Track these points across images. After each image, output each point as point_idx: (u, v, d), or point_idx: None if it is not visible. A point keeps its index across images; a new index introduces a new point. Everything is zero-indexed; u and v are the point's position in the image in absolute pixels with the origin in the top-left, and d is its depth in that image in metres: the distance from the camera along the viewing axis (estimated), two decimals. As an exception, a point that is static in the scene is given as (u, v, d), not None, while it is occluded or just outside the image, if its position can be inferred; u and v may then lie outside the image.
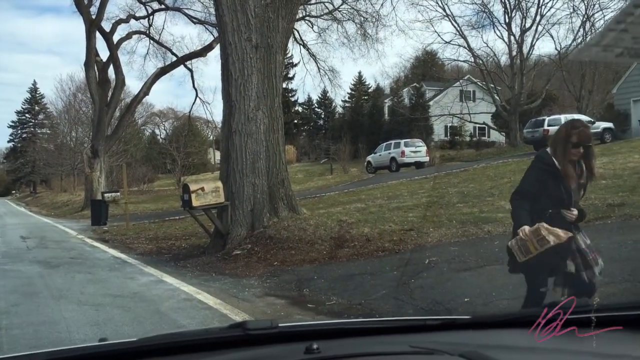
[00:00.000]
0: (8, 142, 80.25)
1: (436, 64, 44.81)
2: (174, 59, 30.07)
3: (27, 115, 78.06)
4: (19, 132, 78.56)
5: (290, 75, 51.87)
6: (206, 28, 29.97)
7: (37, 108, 76.33)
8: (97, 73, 27.47)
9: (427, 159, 27.61)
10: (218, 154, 46.47)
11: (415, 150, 27.35)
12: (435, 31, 40.53)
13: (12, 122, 78.69)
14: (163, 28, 36.65)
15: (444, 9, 32.27)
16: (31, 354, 1.28)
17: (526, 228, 3.20)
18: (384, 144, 29.70)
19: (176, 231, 13.79)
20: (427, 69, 45.38)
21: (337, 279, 6.63)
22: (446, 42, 33.69)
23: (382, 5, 29.39)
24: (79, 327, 5.12)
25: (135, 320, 5.35)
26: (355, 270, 6.92)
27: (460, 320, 1.64)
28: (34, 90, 77.11)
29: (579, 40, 31.90)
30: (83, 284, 7.44)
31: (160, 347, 1.32)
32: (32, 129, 77.03)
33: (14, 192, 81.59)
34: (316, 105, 60.38)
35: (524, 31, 32.29)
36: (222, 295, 6.35)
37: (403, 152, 27.17)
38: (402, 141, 28.13)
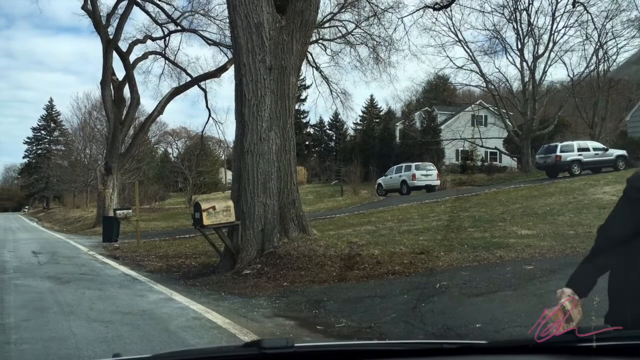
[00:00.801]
0: (23, 157, 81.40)
1: (448, 88, 45.00)
2: (189, 79, 30.53)
3: (42, 132, 79.24)
4: (34, 148, 79.68)
5: (302, 97, 52.31)
6: (221, 49, 30.46)
7: (52, 125, 77.49)
8: (112, 92, 27.89)
9: (438, 182, 27.56)
10: (229, 174, 46.73)
11: (426, 173, 27.32)
12: (448, 56, 40.63)
13: (28, 138, 79.93)
14: (179, 49, 37.22)
15: (456, 35, 32.53)
16: None
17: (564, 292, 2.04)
18: (395, 166, 29.71)
19: (186, 249, 13.81)
20: (438, 93, 45.59)
21: (346, 301, 6.59)
22: (458, 67, 33.87)
23: (395, 30, 29.89)
24: (88, 344, 5.11)
25: (144, 338, 5.34)
26: (365, 292, 6.87)
27: (477, 345, 1.62)
28: (50, 107, 78.39)
29: (591, 68, 31.96)
30: (93, 301, 7.45)
31: None
32: (47, 146, 78.07)
33: (26, 207, 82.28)
34: (328, 127, 60.71)
35: (536, 57, 32.39)
36: (231, 314, 6.33)
37: (414, 175, 27.14)
38: (413, 164, 28.13)
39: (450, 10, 27.60)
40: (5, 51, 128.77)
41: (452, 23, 32.49)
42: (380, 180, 30.18)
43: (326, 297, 6.92)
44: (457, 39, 32.56)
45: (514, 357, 1.51)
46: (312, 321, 5.94)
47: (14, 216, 64.40)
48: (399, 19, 25.87)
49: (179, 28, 30.29)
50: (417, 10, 23.28)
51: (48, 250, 16.12)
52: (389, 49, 26.19)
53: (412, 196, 25.27)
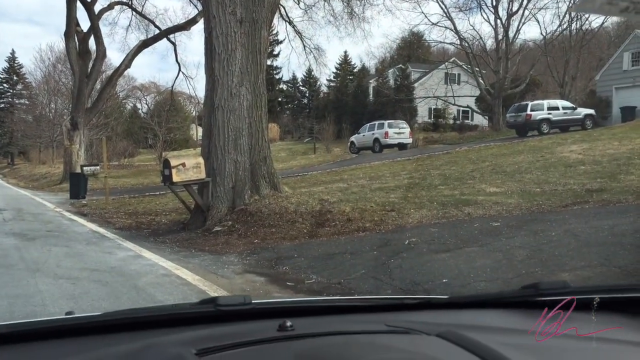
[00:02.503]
0: (-15, 112, 78.70)
1: (422, 45, 44.75)
2: (157, 31, 29.53)
3: (4, 85, 76.24)
4: (-4, 102, 76.84)
5: (275, 53, 51.40)
6: (190, 1, 29.50)
7: (15, 78, 74.54)
8: (77, 44, 26.87)
9: (410, 140, 27.70)
10: (200, 130, 46.02)
11: (398, 131, 27.39)
12: (422, 12, 40.31)
13: (-10, 91, 76.97)
14: (146, 0, 35.84)
15: (432, -10, 32.06)
16: None
17: None
18: (368, 124, 29.69)
19: (156, 206, 13.66)
20: (413, 50, 45.30)
21: (317, 257, 6.63)
22: (433, 24, 33.63)
23: (370, -17, 29.13)
24: (54, 301, 5.05)
25: (112, 295, 5.30)
26: (336, 249, 6.92)
27: (437, 300, 1.62)
28: (12, 59, 75.19)
29: (564, 26, 32.07)
30: (60, 258, 7.34)
31: (127, 322, 1.28)
32: (9, 100, 75.29)
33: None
34: (301, 84, 60.03)
35: (510, 15, 32.32)
36: (201, 271, 6.32)
37: (387, 134, 27.20)
38: (386, 122, 28.15)
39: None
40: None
41: (428, -23, 32.03)
42: (353, 138, 30.18)
43: (296, 253, 6.95)
44: (432, -6, 32.17)
45: (473, 311, 1.52)
46: (282, 277, 5.97)
47: (-23, 172, 62.71)
48: (374, -28, 25.35)
49: (146, -23, 29.10)
50: (392, -37, 22.76)
51: (13, 207, 15.76)
52: (363, 3, 25.68)
53: (384, 154, 25.38)
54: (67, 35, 26.44)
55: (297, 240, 7.74)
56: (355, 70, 55.32)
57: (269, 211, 8.86)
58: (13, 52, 76.98)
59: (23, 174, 45.01)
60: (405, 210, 8.67)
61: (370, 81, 44.56)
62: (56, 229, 10.64)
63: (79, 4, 26.54)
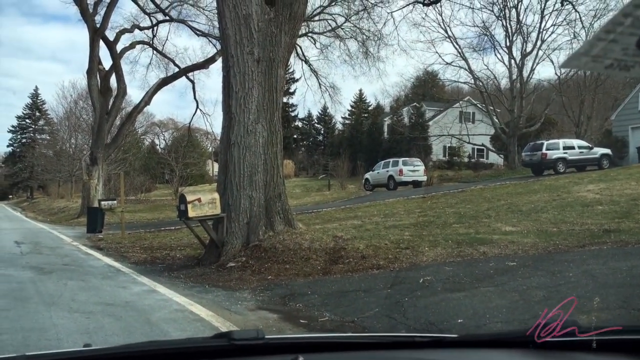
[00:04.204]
0: (7, 146, 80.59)
1: (437, 84, 45.15)
2: (177, 70, 30.29)
3: (27, 120, 78.24)
4: (19, 137, 78.72)
5: (291, 91, 52.23)
6: (209, 41, 30.29)
7: (37, 114, 76.54)
8: (99, 81, 27.58)
9: (424, 178, 27.68)
10: (216, 166, 46.47)
11: (413, 169, 27.42)
12: (437, 52, 40.99)
13: (12, 127, 78.99)
14: (167, 39, 37.11)
15: (445, 31, 32.63)
16: (11, 357, 1.27)
17: None
18: (383, 161, 29.79)
19: (171, 241, 13.73)
20: (427, 89, 45.70)
21: (330, 294, 6.60)
22: (447, 64, 33.97)
23: (384, 24, 29.87)
24: (68, 335, 5.07)
25: (126, 330, 5.30)
26: (349, 286, 6.88)
27: (448, 338, 1.62)
28: (35, 95, 77.42)
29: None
30: (75, 291, 7.38)
31: (143, 355, 1.30)
32: (32, 135, 77.12)
33: (10, 196, 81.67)
34: (316, 121, 60.64)
35: (524, 55, 32.59)
36: (214, 307, 6.31)
37: (401, 171, 27.23)
38: (401, 160, 28.22)
39: (440, 6, 27.69)
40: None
41: (442, 19, 32.75)
42: (367, 175, 30.24)
43: (310, 290, 6.92)
44: (446, 35, 32.66)
45: (483, 350, 1.52)
46: (295, 314, 5.94)
47: (-3, 205, 63.65)
48: (388, 13, 25.83)
49: (167, 18, 30.03)
50: (407, 5, 23.28)
51: (31, 240, 15.95)
52: (378, 43, 26.23)
53: (399, 191, 25.35)
54: (90, 72, 27.19)
55: (311, 276, 7.71)
56: (370, 108, 55.86)
57: (283, 247, 8.86)
58: (36, 89, 79.41)
59: (42, 207, 45.59)
60: (419, 248, 8.62)
61: (385, 119, 44.91)
62: (72, 263, 10.72)
63: (101, 43, 27.40)
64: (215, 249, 9.59)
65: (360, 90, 58.22)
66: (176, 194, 34.52)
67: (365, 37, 26.52)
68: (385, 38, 25.78)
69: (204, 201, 9.38)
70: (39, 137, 75.34)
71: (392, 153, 33.59)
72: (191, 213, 9.23)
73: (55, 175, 55.58)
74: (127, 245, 13.78)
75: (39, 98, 76.71)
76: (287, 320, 5.73)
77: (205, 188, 35.88)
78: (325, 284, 7.20)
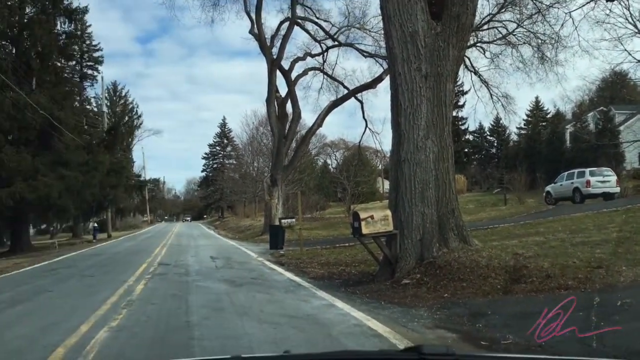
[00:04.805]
0: (202, 171, 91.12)
1: (627, 85, 40.51)
2: (346, 91, 31.43)
3: (217, 147, 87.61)
4: (210, 162, 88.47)
5: (460, 103, 50.90)
6: (376, 61, 30.95)
7: (225, 141, 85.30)
8: (276, 108, 29.82)
9: (617, 189, 24.80)
10: (386, 183, 46.99)
11: (603, 180, 24.77)
12: (626, 49, 36.50)
13: (205, 154, 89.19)
14: (336, 63, 38.68)
15: (635, 26, 29.08)
16: (227, 358, 1.39)
17: None
18: (566, 173, 27.39)
19: (346, 257, 14.16)
20: (616, 91, 41.20)
21: (512, 315, 6.22)
22: (638, 61, 30.22)
23: (562, 26, 27.45)
24: (259, 344, 5.49)
25: (309, 342, 5.57)
26: (534, 307, 6.41)
27: None
28: (223, 125, 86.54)
29: None
30: (262, 303, 7.99)
31: None
32: (221, 160, 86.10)
33: (205, 216, 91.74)
34: (488, 133, 58.28)
35: None
36: (391, 323, 6.34)
37: (588, 182, 24.76)
38: (587, 170, 25.68)
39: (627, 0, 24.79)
40: (189, 77, 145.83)
41: (630, 13, 29.12)
42: (549, 188, 28.06)
43: (490, 310, 6.60)
44: (636, 30, 29.13)
45: None
46: (475, 335, 5.70)
47: (195, 224, 71.76)
48: (566, 14, 23.68)
49: (336, 43, 31.46)
50: (587, 2, 21.28)
51: (223, 256, 17.67)
52: (555, 46, 24.35)
53: (586, 205, 23.08)
54: (268, 101, 29.53)
55: (490, 296, 7.36)
56: (548, 115, 52.10)
57: (459, 265, 8.59)
58: (224, 119, 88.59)
59: (231, 226, 50.30)
60: (615, 267, 7.72)
61: (567, 127, 41.43)
62: (259, 277, 11.62)
63: (278, 73, 29.62)
64: (389, 266, 9.66)
65: (537, 98, 54.66)
66: (348, 211, 35.59)
67: (540, 41, 24.87)
68: (564, 40, 23.72)
69: (377, 218, 9.52)
70: (227, 162, 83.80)
71: (576, 163, 30.75)
72: (365, 230, 9.43)
73: (241, 196, 61.07)
74: (305, 260, 14.53)
75: (226, 127, 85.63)
76: (467, 341, 5.53)
77: (377, 205, 36.42)
78: (507, 304, 6.82)
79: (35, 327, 6.72)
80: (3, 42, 27.11)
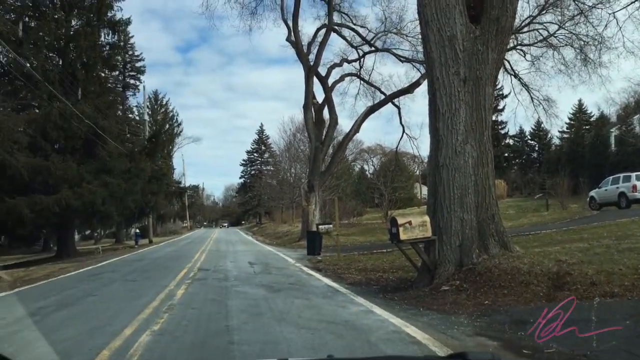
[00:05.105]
0: (239, 178, 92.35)
1: (676, 85, 38.98)
2: (382, 97, 31.33)
3: (255, 154, 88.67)
4: (248, 169, 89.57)
5: (500, 107, 50.04)
6: (413, 65, 30.78)
7: (263, 148, 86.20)
8: (313, 114, 29.96)
9: (666, 194, 23.87)
10: (424, 189, 46.55)
11: (650, 184, 23.88)
12: (674, 48, 35.28)
13: (243, 160, 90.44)
14: (373, 69, 38.71)
15: (684, 23, 28.00)
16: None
17: None
18: (611, 177, 26.54)
19: (383, 264, 14.08)
20: (664, 91, 39.71)
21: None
22: (689, 60, 29.10)
23: (605, 26, 26.64)
24: (297, 350, 5.51)
25: (347, 348, 5.56)
26: (578, 315, 6.24)
27: None
28: (261, 132, 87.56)
29: None
30: (300, 309, 8.02)
31: None
32: (258, 167, 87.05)
33: (243, 222, 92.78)
34: (529, 137, 57.13)
35: None
36: (430, 330, 6.27)
37: (635, 187, 23.91)
38: (634, 174, 24.80)
39: (676, -3, 23.85)
40: (227, 85, 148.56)
41: (678, 10, 28.05)
42: (592, 193, 27.24)
43: (532, 318, 6.43)
44: (685, 28, 28.06)
45: None
46: (517, 344, 5.58)
47: (233, 230, 72.69)
48: (609, 14, 23.01)
49: (373, 49, 31.44)
50: (631, 2, 20.62)
51: (261, 262, 17.82)
52: (599, 48, 23.66)
53: (632, 210, 22.29)
54: (305, 107, 29.72)
55: (532, 303, 7.19)
56: (592, 119, 50.63)
57: (500, 271, 8.43)
58: (262, 126, 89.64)
59: (268, 232, 50.69)
60: (664, 275, 7.43)
61: (611, 130, 40.20)
62: (297, 283, 11.67)
63: (315, 79, 29.79)
64: (427, 272, 9.56)
65: (580, 101, 53.24)
66: (385, 217, 35.40)
67: (583, 42, 24.22)
68: (607, 41, 23.02)
69: (415, 224, 9.45)
70: (264, 168, 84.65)
71: (622, 167, 29.78)
72: (402, 236, 9.37)
73: (279, 202, 61.48)
74: (342, 266, 14.52)
75: (264, 134, 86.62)
76: (508, 349, 5.42)
77: (414, 211, 36.10)
78: (549, 312, 6.64)
79: (81, 330, 6.93)
80: (50, 54, 28.16)
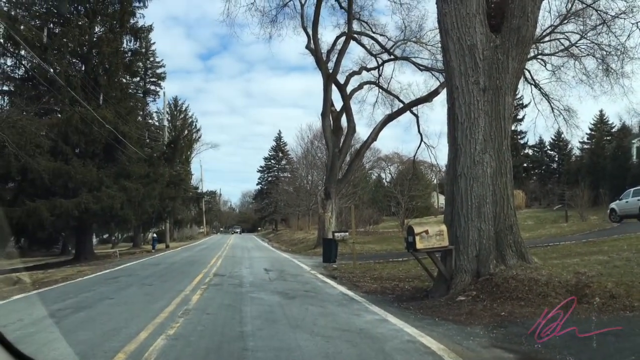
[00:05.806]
0: (256, 184, 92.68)
1: (701, 96, 38.34)
2: (401, 105, 31.25)
3: (272, 161, 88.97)
4: (265, 175, 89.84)
5: (519, 117, 49.63)
6: (432, 74, 30.66)
7: (280, 154, 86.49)
8: (331, 122, 29.99)
9: (689, 207, 23.41)
10: (442, 198, 46.24)
11: (673, 196, 23.45)
12: (699, 59, 34.67)
13: (261, 167, 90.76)
14: (391, 77, 38.75)
15: None
16: None
17: None
18: (632, 189, 26.10)
19: (399, 272, 14.00)
20: (688, 102, 39.05)
21: (574, 336, 5.97)
22: None
23: (628, 36, 26.24)
24: (311, 357, 5.50)
25: (361, 357, 5.54)
26: (597, 328, 6.13)
27: None
28: (278, 139, 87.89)
29: None
30: (315, 316, 8.01)
31: None
32: (275, 173, 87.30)
33: (259, 228, 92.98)
34: (548, 148, 56.52)
35: None
36: (445, 341, 6.21)
37: (657, 199, 23.50)
38: (656, 186, 24.40)
39: (701, 7, 23.46)
40: (246, 92, 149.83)
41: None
42: (613, 205, 26.80)
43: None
44: None
45: None
46: (534, 356, 5.51)
47: (249, 236, 72.91)
48: (632, 24, 22.68)
49: (392, 57, 31.41)
50: (656, 11, 20.29)
51: (277, 268, 17.83)
52: (621, 58, 23.32)
53: (655, 223, 21.91)
54: (324, 115, 29.75)
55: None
56: (613, 130, 49.96)
57: (517, 282, 8.33)
58: (279, 133, 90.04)
59: (284, 238, 50.73)
60: (687, 290, 7.28)
61: (633, 141, 39.57)
62: (312, 290, 11.66)
63: (333, 87, 29.83)
64: (443, 282, 9.48)
65: (601, 111, 52.63)
66: (402, 225, 35.23)
67: (605, 52, 23.90)
68: (630, 51, 22.67)
69: (432, 233, 9.39)
70: (281, 175, 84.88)
71: (644, 179, 29.30)
72: (419, 245, 9.32)
73: (295, 209, 61.50)
74: (358, 274, 14.47)
75: (281, 140, 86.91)
76: (524, 362, 5.35)
77: (431, 220, 35.86)
78: (567, 324, 6.54)
79: (97, 332, 6.99)
80: (74, 60, 28.66)
